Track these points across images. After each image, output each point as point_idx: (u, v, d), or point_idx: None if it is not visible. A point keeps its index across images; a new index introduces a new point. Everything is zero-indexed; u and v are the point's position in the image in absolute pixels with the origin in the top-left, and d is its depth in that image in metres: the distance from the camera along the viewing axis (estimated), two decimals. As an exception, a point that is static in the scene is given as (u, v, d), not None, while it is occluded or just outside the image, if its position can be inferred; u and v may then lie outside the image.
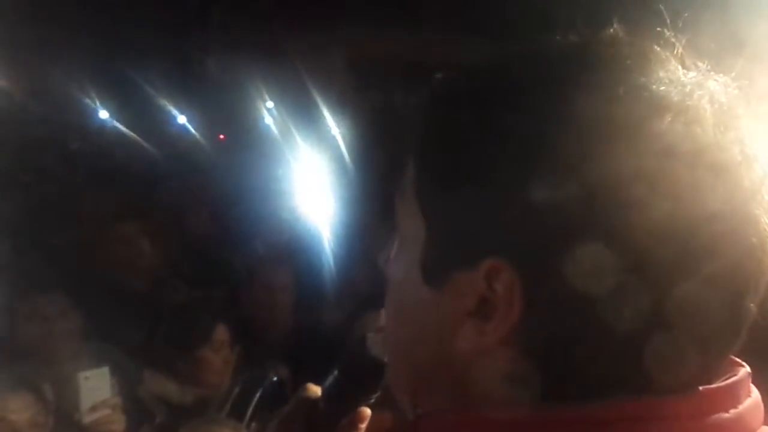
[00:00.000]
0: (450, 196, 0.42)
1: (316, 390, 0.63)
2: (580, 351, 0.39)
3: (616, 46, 0.42)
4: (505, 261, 0.39)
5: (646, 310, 0.38)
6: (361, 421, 0.59)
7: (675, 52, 0.43)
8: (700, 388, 0.40)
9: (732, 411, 0.41)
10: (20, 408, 1.57)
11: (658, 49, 0.43)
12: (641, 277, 0.37)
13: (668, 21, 0.45)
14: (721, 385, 0.42)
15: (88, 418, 1.71)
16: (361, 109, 5.55)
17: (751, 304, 0.42)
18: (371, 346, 0.59)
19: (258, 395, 2.06)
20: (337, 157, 4.55)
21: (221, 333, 2.15)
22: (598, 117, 0.38)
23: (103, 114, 7.43)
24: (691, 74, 0.42)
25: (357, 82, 6.55)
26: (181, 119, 6.97)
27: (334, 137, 5.14)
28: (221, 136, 7.17)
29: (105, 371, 1.78)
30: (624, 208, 0.37)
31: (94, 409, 1.72)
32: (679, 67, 0.42)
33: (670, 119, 0.39)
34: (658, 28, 0.44)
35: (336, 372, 0.61)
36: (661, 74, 0.41)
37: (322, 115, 5.37)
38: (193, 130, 6.62)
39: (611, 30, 0.43)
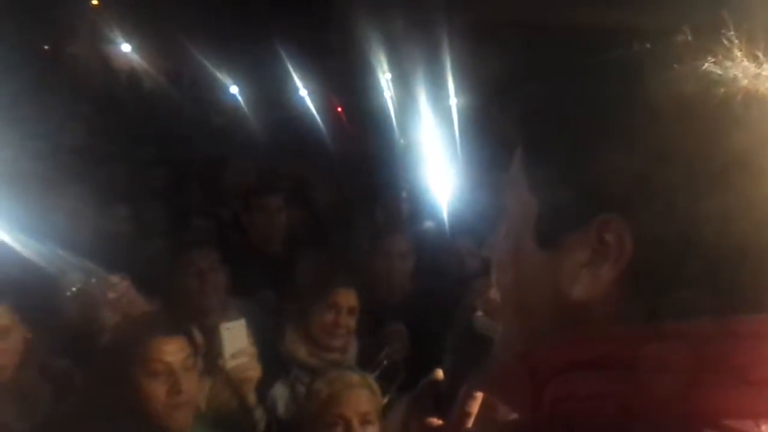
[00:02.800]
0: (558, 173, 0.52)
1: (440, 373, 0.76)
2: (686, 271, 0.47)
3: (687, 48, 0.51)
4: (614, 215, 0.48)
5: (742, 231, 0.46)
6: (473, 397, 0.69)
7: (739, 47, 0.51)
8: None
9: None
10: (175, 350, 1.63)
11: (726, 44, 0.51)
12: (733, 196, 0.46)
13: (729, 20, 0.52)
14: None
15: (229, 364, 1.85)
16: (481, 80, 5.46)
17: None
18: (478, 326, 0.67)
19: (383, 361, 2.05)
20: (454, 129, 4.56)
21: (350, 299, 2.16)
22: (667, 99, 0.49)
23: (233, 89, 7.88)
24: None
25: (478, 50, 6.41)
26: (303, 93, 7.21)
27: (451, 108, 5.13)
28: (339, 108, 7.37)
29: (243, 323, 1.90)
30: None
31: (234, 356, 1.85)
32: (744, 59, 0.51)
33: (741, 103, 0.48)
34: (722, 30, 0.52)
35: (450, 351, 0.69)
36: (728, 66, 0.50)
37: (443, 85, 5.35)
38: (311, 104, 6.83)
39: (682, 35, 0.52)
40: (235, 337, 1.89)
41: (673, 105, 0.48)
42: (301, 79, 7.26)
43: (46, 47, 10.26)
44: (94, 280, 1.94)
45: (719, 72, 0.49)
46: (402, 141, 4.61)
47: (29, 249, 2.06)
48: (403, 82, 6.05)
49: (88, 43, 10.57)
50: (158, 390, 1.61)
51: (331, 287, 2.20)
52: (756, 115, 0.48)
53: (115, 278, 1.90)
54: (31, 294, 1.87)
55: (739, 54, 0.51)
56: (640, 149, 0.48)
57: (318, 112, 6.42)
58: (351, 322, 2.17)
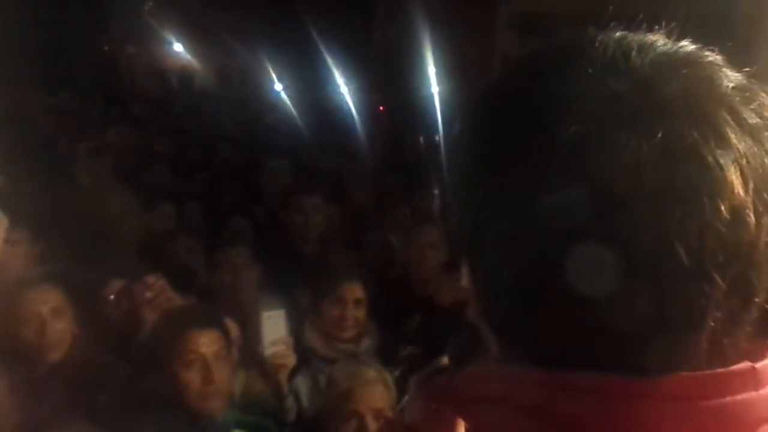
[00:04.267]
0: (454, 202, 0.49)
1: (445, 360, 0.79)
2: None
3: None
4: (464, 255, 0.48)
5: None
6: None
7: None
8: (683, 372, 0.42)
9: (717, 400, 0.42)
10: (209, 342, 1.74)
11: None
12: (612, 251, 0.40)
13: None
14: (706, 373, 0.42)
15: (268, 351, 1.96)
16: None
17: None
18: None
19: (405, 358, 2.12)
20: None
21: (356, 292, 2.22)
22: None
23: (278, 86, 8.03)
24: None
25: (525, 43, 6.32)
26: (344, 91, 7.28)
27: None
28: (381, 108, 7.41)
29: (282, 313, 1.99)
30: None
31: (273, 343, 1.95)
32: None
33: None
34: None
35: (455, 337, 0.74)
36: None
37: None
38: (352, 104, 6.87)
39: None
40: (275, 326, 2.00)
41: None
42: (343, 77, 7.33)
43: (106, 48, 10.70)
44: (132, 283, 2.06)
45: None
46: (438, 139, 4.63)
47: (76, 247, 2.22)
48: (448, 78, 6.02)
49: (144, 44, 10.97)
50: (193, 379, 1.73)
51: (336, 281, 2.29)
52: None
53: (151, 278, 2.02)
54: (79, 292, 2.01)
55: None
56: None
57: (359, 111, 6.48)
58: (359, 313, 2.25)
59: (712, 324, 0.42)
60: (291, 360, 1.99)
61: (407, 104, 6.49)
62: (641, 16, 0.47)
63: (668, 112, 0.41)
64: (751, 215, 0.41)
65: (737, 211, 0.41)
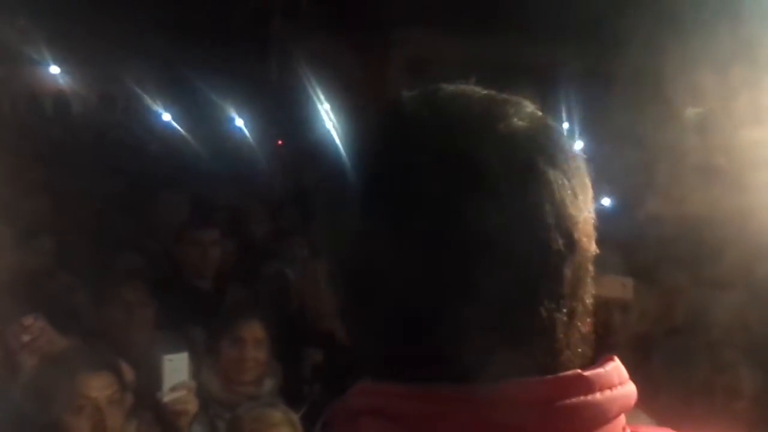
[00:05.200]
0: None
1: None
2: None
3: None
4: None
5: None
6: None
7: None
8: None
9: (548, 404, 0.45)
10: (101, 386, 1.65)
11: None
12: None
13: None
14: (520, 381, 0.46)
15: (167, 397, 1.85)
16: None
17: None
18: None
19: (309, 397, 2.10)
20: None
21: (255, 331, 2.12)
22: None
23: (166, 117, 7.74)
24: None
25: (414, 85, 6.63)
26: (239, 122, 7.17)
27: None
28: (279, 142, 7.37)
29: (185, 356, 1.90)
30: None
31: (173, 389, 1.85)
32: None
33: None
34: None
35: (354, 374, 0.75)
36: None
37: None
38: (249, 134, 6.79)
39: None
40: (176, 370, 1.90)
41: None
42: (238, 109, 7.24)
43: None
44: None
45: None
46: (339, 172, 4.67)
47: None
48: (344, 115, 6.13)
49: (15, 65, 10.16)
50: (82, 427, 1.61)
51: (234, 320, 2.18)
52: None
53: (28, 319, 1.86)
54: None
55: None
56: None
57: (256, 144, 6.41)
58: (259, 354, 2.14)
59: (544, 335, 0.48)
60: (192, 406, 1.90)
61: (305, 139, 6.53)
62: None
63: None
64: (560, 242, 0.48)
65: (565, 237, 0.49)
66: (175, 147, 6.31)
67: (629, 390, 0.51)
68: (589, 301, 0.52)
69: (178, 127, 7.10)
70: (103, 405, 1.65)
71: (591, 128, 4.73)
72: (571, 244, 0.49)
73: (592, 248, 0.52)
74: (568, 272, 0.49)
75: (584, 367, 0.49)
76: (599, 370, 0.49)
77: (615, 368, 0.50)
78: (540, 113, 0.53)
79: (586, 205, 0.51)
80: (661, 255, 2.59)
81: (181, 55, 8.22)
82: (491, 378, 0.46)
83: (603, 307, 2.39)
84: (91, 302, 2.46)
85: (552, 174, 0.49)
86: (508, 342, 0.47)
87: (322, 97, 6.47)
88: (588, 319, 0.52)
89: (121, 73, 8.48)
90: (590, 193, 0.52)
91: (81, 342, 2.05)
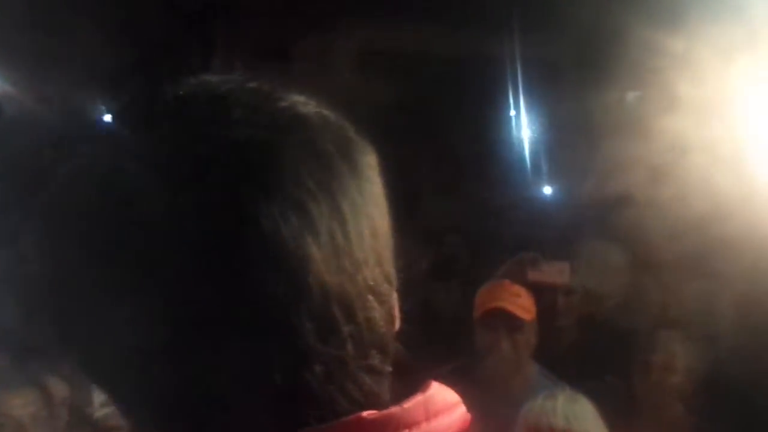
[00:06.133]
0: None
1: None
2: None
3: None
4: None
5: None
6: None
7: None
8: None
9: None
10: (24, 404, 1.67)
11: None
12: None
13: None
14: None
15: (99, 413, 1.82)
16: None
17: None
18: None
19: None
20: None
21: None
22: None
23: (108, 117, 7.51)
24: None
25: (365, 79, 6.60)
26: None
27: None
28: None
29: None
30: None
31: (105, 404, 1.79)
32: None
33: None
34: None
35: None
36: None
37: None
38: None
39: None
40: None
41: None
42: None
43: None
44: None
45: None
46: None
47: None
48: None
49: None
50: (7, 447, 1.55)
51: None
52: None
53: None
54: None
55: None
56: None
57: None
58: None
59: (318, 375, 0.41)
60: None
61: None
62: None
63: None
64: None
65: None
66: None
67: (443, 424, 0.42)
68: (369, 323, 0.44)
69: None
70: (26, 422, 1.60)
71: (539, 116, 4.81)
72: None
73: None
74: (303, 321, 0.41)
75: (377, 405, 0.41)
76: (392, 410, 0.40)
77: (424, 401, 0.41)
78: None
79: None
80: (600, 237, 2.66)
81: (120, 52, 7.97)
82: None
83: (546, 293, 2.45)
84: (23, 318, 2.35)
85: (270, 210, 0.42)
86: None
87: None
88: (375, 350, 0.44)
89: (59, 75, 8.17)
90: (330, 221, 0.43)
91: (7, 360, 1.97)
